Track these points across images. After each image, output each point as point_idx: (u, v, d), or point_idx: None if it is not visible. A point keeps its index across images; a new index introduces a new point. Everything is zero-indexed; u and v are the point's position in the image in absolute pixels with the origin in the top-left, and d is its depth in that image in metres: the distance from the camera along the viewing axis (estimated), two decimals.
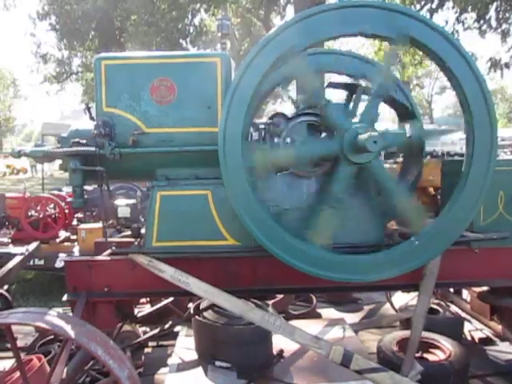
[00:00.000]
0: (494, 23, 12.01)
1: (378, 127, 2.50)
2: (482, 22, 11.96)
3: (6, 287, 5.22)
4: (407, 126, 2.74)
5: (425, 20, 2.38)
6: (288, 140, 2.78)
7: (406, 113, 3.21)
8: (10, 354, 3.36)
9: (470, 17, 12.18)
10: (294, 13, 12.57)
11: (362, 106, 2.79)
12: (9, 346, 3.54)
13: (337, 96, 3.35)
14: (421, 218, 2.47)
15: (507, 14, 11.86)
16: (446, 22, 12.33)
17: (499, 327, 3.88)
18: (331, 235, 2.44)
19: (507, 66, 11.95)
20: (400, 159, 3.85)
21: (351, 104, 3.00)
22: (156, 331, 3.94)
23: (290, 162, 2.65)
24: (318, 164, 2.75)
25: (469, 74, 2.35)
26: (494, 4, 11.63)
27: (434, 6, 11.98)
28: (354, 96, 3.07)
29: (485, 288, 3.40)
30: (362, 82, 3.25)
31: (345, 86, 3.23)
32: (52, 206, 7.43)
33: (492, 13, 11.85)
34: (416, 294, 3.03)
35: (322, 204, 2.55)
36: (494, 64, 11.95)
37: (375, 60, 3.60)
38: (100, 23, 20.42)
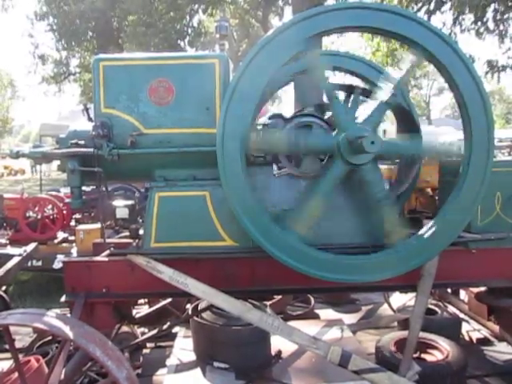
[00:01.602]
0: (491, 25, 12.05)
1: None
2: (479, 23, 11.99)
3: (3, 288, 5.21)
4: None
5: (423, 22, 2.39)
6: None
7: (404, 113, 3.22)
8: (8, 355, 3.35)
9: (468, 18, 12.22)
10: (292, 14, 12.60)
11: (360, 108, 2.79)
12: (7, 347, 3.55)
13: None
14: (398, 233, 2.46)
15: (505, 16, 11.89)
16: (444, 24, 12.37)
17: (497, 327, 3.89)
18: (311, 225, 2.42)
19: (504, 68, 11.97)
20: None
21: (349, 105, 3.00)
22: (154, 332, 3.93)
23: (286, 147, 2.56)
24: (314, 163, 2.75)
25: (466, 76, 2.36)
26: (492, 6, 11.66)
27: (431, 7, 12.01)
28: (352, 97, 3.09)
29: (482, 288, 3.41)
30: (360, 84, 3.27)
31: (342, 88, 3.23)
32: (50, 206, 7.42)
33: (489, 14, 11.89)
34: (414, 294, 3.03)
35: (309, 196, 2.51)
36: (492, 67, 11.97)
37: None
38: (98, 24, 20.42)
